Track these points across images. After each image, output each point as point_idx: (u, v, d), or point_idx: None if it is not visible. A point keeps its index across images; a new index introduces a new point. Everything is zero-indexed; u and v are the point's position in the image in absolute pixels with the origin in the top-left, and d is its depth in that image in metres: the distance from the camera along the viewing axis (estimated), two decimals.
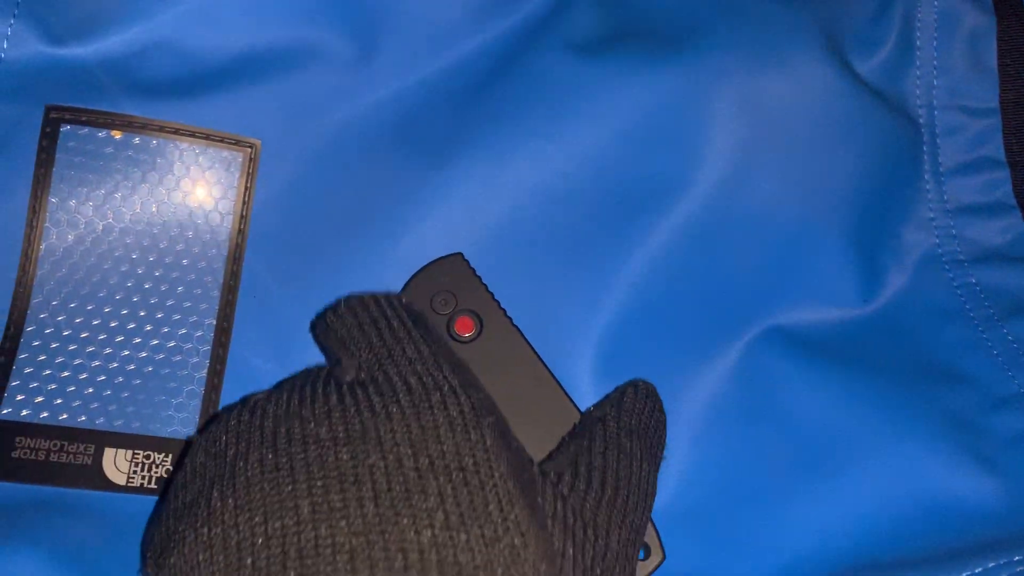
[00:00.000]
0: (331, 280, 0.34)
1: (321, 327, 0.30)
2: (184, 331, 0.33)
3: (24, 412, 0.31)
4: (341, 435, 0.24)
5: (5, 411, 0.31)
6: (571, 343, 0.34)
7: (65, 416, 0.31)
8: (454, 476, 0.22)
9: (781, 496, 0.33)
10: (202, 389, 0.33)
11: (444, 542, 0.21)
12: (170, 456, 0.32)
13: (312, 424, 0.24)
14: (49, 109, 0.32)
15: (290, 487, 0.22)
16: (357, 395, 0.25)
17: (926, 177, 0.39)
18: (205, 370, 0.33)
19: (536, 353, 0.33)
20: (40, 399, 0.31)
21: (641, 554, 0.30)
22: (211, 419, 0.32)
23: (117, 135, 0.33)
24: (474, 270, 0.33)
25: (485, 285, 0.33)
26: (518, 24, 0.36)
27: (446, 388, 0.25)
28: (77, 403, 0.32)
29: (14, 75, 0.32)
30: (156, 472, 0.31)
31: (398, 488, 0.22)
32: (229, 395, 0.33)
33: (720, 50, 0.35)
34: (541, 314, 0.34)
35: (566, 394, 0.32)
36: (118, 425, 0.32)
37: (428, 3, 0.35)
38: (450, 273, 0.33)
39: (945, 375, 0.35)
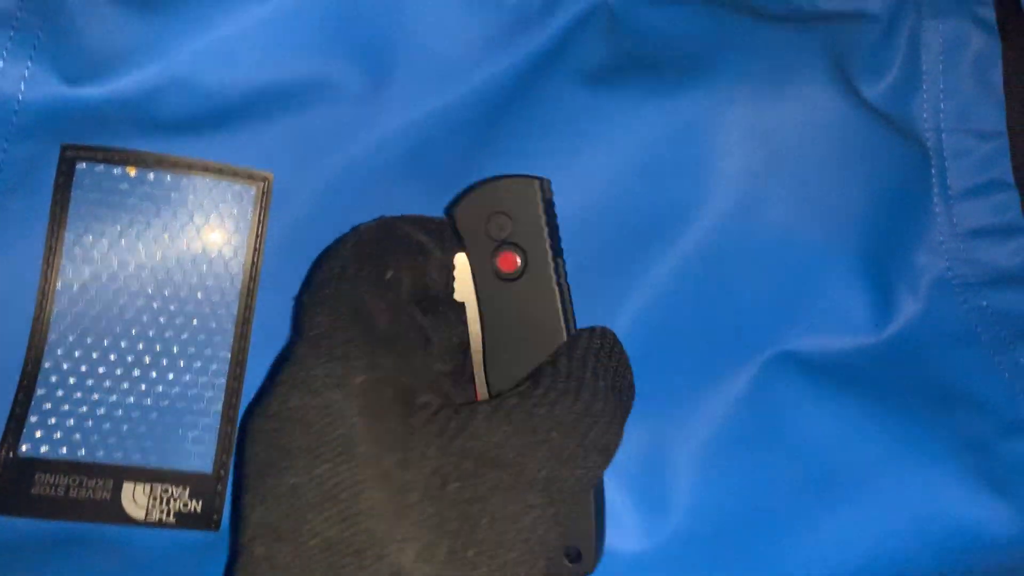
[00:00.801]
0: None
1: None
2: (199, 364, 0.33)
3: (43, 448, 0.32)
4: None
5: (24, 447, 0.31)
6: None
7: (83, 451, 0.32)
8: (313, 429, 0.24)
9: (794, 521, 0.33)
10: (218, 423, 0.33)
11: (301, 473, 0.23)
12: (187, 489, 0.32)
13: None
14: (65, 148, 0.33)
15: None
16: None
17: (935, 200, 0.39)
18: (221, 403, 0.33)
19: (566, 319, 0.30)
20: (58, 435, 0.32)
21: (575, 555, 0.29)
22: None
23: (132, 171, 0.33)
24: (548, 204, 0.30)
25: (548, 227, 0.30)
26: (528, 55, 0.36)
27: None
28: (95, 438, 0.32)
29: (31, 115, 0.32)
30: (174, 506, 0.32)
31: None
32: None
33: (729, 78, 0.36)
34: None
35: None
36: (136, 459, 0.32)
37: (438, 36, 0.35)
38: (520, 196, 0.30)
39: (957, 400, 0.35)
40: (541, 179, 0.30)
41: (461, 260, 0.31)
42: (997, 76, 0.39)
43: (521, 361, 0.29)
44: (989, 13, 0.40)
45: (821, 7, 0.39)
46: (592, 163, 0.36)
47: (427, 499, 0.23)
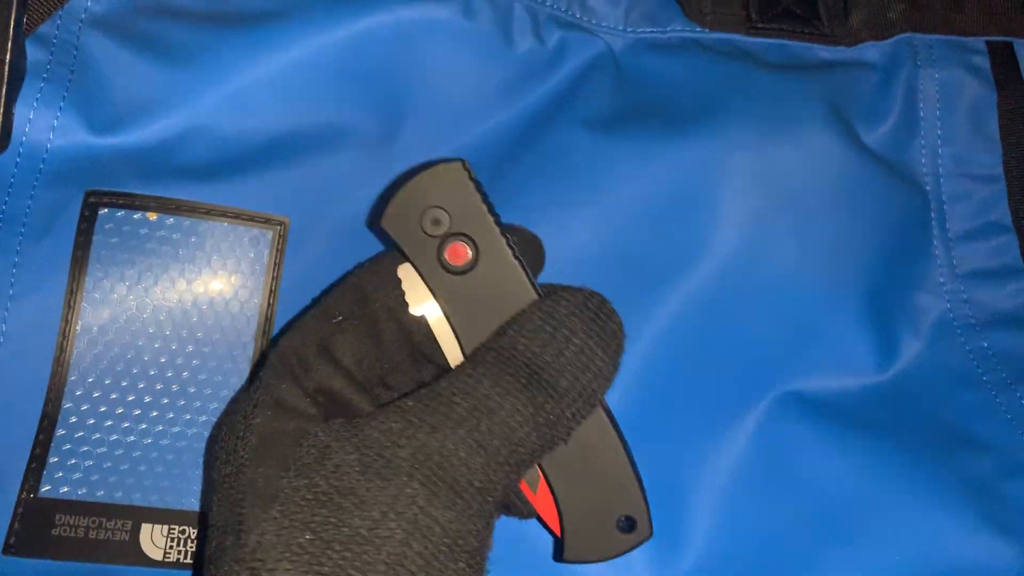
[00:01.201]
0: None
1: None
2: (216, 405, 0.34)
3: (63, 489, 0.32)
4: None
5: (44, 488, 0.32)
6: None
7: (102, 492, 0.32)
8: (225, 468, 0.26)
9: (802, 564, 0.33)
10: None
11: (213, 501, 0.26)
12: None
13: None
14: (88, 194, 0.33)
15: None
16: None
17: (935, 243, 0.40)
18: None
19: (535, 289, 0.28)
20: (78, 476, 0.32)
21: (628, 526, 0.28)
22: None
23: (152, 216, 0.34)
24: (477, 183, 0.28)
25: (486, 205, 0.28)
26: (536, 103, 0.37)
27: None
28: (114, 479, 0.32)
29: (58, 163, 0.33)
30: (192, 547, 0.32)
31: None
32: None
33: (733, 125, 0.37)
34: None
35: None
36: (154, 500, 0.32)
37: (450, 85, 0.36)
38: (446, 185, 0.28)
39: (961, 440, 0.36)
40: (460, 160, 0.28)
41: (406, 272, 0.29)
42: (993, 122, 0.40)
43: None
44: (983, 62, 0.41)
45: (820, 56, 0.40)
46: (599, 207, 0.36)
47: (295, 498, 0.24)
